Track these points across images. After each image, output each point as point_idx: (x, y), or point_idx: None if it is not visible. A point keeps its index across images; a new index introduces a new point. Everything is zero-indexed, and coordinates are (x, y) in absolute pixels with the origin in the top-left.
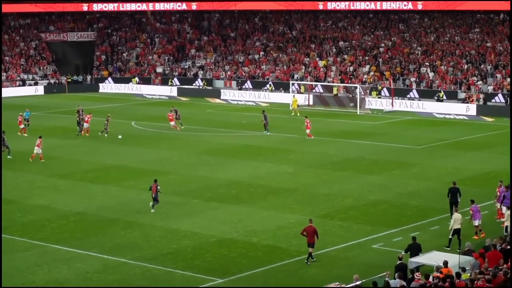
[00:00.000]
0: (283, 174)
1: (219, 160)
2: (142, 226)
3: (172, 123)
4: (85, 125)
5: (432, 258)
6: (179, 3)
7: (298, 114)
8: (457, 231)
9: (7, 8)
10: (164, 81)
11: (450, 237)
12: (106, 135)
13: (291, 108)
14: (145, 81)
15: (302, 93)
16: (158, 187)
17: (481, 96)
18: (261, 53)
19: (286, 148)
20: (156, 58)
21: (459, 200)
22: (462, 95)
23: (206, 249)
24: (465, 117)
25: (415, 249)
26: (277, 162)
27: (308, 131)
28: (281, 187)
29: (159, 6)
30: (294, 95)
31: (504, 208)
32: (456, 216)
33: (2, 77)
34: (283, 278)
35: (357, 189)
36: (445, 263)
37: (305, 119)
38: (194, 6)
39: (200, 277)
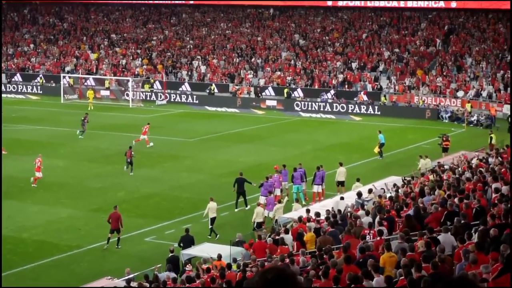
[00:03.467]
0: (54, 168)
1: None
2: None
3: None
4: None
5: (204, 250)
6: None
7: (92, 108)
8: (212, 220)
9: None
10: None
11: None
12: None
13: (88, 102)
14: None
15: (72, 86)
16: (133, 153)
17: (252, 89)
18: (31, 45)
19: (57, 142)
20: None
21: (245, 189)
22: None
23: None
24: (237, 110)
25: (187, 241)
26: (47, 156)
27: (144, 137)
28: (52, 181)
29: None
30: (91, 88)
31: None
32: (211, 204)
33: None
34: (54, 274)
35: (129, 183)
36: (219, 256)
37: (145, 126)
38: None
39: None
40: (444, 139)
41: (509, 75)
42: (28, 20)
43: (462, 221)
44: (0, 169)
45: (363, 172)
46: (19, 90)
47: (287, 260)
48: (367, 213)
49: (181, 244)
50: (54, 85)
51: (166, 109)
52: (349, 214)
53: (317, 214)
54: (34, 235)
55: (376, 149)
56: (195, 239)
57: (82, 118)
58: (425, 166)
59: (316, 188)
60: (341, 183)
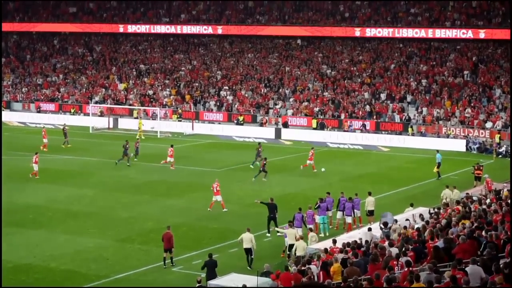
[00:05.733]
0: (83, 198)
1: (16, 184)
2: None
3: None
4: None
5: (231, 280)
6: None
7: (143, 137)
8: (248, 251)
9: None
10: None
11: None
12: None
13: (138, 131)
14: None
15: (103, 115)
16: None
17: (279, 119)
18: (60, 75)
19: (87, 171)
20: None
21: (276, 215)
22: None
23: (2, 275)
24: (264, 140)
25: (211, 265)
26: (77, 185)
27: (310, 162)
28: (80, 210)
29: None
30: (139, 118)
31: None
32: (246, 236)
33: None
34: None
35: (157, 213)
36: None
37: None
38: None
39: None
40: (477, 167)
41: None
42: (57, 50)
43: (492, 253)
44: (0, 172)
45: (391, 203)
46: (48, 121)
47: None
48: (390, 245)
49: (205, 268)
50: (82, 115)
51: (194, 139)
52: (373, 244)
53: (344, 245)
54: (62, 264)
55: (435, 170)
56: (218, 263)
57: (124, 145)
58: (451, 196)
59: (347, 219)
60: (370, 213)
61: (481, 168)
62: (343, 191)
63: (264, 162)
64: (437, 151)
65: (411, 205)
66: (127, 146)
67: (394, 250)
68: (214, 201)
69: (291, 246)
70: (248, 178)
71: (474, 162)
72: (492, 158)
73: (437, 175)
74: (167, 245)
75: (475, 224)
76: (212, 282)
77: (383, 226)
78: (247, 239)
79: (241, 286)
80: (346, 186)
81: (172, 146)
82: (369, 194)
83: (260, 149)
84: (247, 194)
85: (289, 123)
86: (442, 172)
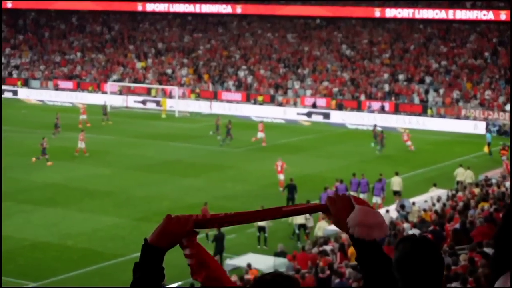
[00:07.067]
0: (100, 177)
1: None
2: None
3: None
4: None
5: (248, 260)
6: None
7: (165, 116)
8: (261, 229)
9: None
10: None
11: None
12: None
13: (162, 110)
14: None
15: (122, 94)
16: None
17: (298, 100)
18: (78, 53)
19: (103, 149)
20: None
21: (295, 196)
22: (279, 98)
23: (19, 253)
24: (283, 121)
25: (220, 238)
26: (94, 164)
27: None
28: (97, 189)
29: None
30: (164, 97)
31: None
32: None
33: None
34: (98, 282)
35: (174, 192)
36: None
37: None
38: (9, 4)
39: (12, 281)
40: (502, 147)
41: None
42: (75, 28)
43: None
44: (0, 168)
45: (408, 185)
46: (65, 99)
47: (328, 272)
48: (414, 226)
49: (213, 241)
50: (100, 93)
51: (212, 118)
52: (391, 226)
53: None
54: (79, 242)
55: (486, 148)
56: (239, 249)
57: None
58: (463, 175)
59: (375, 199)
60: (397, 193)
61: (505, 148)
62: (363, 172)
63: (229, 126)
64: (488, 130)
65: (435, 185)
66: (230, 126)
67: (414, 232)
68: (281, 180)
69: (300, 225)
70: (267, 158)
71: (492, 145)
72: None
73: (489, 153)
74: None
75: (494, 207)
76: (229, 262)
77: (400, 209)
78: None
79: (258, 267)
80: (364, 167)
81: (261, 122)
82: (396, 174)
83: (230, 126)
84: (264, 175)
85: (316, 104)
86: (461, 154)
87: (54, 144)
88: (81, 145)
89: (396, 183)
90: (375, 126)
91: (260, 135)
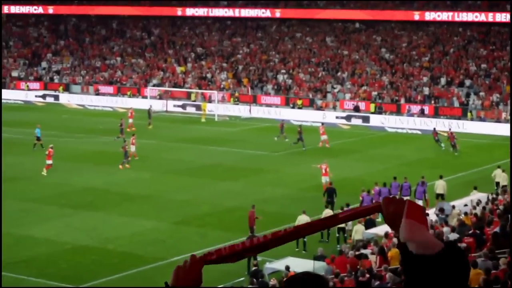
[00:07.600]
0: (140, 181)
1: (74, 165)
2: None
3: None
4: None
5: (286, 264)
6: (35, 7)
7: (204, 120)
8: None
9: None
10: (20, 86)
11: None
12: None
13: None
14: None
15: (162, 98)
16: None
17: (337, 103)
18: (118, 58)
19: (144, 154)
20: (12, 62)
21: (335, 200)
22: (318, 102)
23: (60, 256)
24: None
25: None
26: (134, 168)
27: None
28: (137, 193)
29: (15, 9)
30: (204, 101)
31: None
32: (302, 218)
33: None
34: (138, 285)
35: (213, 196)
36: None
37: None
38: (50, 10)
39: (54, 285)
40: None
41: None
42: (116, 33)
43: None
44: (0, 165)
45: (448, 188)
46: (106, 103)
47: (368, 275)
48: (453, 230)
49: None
50: (140, 98)
51: (251, 122)
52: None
53: None
54: (119, 246)
55: None
56: (278, 253)
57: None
58: (500, 177)
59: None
60: (440, 196)
61: None
62: (405, 175)
63: (300, 130)
64: None
65: (475, 188)
66: (300, 130)
67: (453, 236)
68: (324, 182)
69: (340, 229)
70: (305, 162)
71: None
72: None
73: None
74: (251, 222)
75: None
76: (269, 266)
77: (439, 213)
78: (304, 221)
79: (297, 270)
80: (404, 171)
81: (322, 124)
82: (440, 177)
83: (300, 130)
84: (303, 179)
85: (360, 108)
86: (501, 158)
87: (94, 149)
88: (132, 148)
89: (440, 186)
90: (434, 129)
91: (323, 137)
